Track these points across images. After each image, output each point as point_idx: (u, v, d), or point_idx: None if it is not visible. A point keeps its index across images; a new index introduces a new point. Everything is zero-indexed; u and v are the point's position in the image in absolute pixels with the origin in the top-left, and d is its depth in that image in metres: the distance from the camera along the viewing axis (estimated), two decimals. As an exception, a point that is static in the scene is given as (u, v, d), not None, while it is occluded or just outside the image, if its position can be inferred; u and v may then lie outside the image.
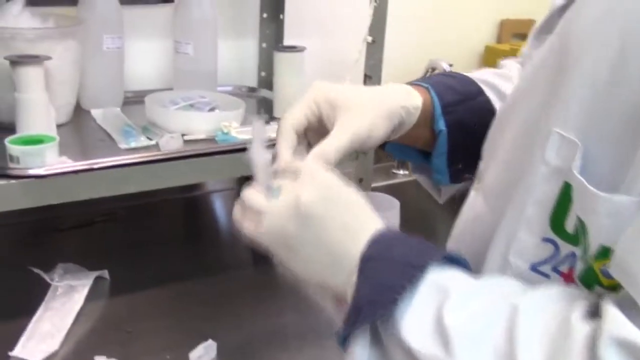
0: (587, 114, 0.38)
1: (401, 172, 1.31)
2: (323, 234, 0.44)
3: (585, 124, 0.38)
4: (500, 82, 0.64)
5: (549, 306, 0.37)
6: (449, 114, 0.59)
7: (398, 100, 0.56)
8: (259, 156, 0.47)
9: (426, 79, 0.62)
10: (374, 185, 0.95)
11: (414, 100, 0.57)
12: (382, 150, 0.65)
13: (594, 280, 0.38)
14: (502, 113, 0.51)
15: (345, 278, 0.43)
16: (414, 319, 0.39)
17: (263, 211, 0.46)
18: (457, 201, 0.68)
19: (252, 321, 0.79)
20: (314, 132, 0.53)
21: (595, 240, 0.37)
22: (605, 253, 0.36)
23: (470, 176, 0.63)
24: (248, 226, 0.47)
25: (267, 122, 0.49)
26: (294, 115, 0.52)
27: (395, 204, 0.88)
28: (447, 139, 0.59)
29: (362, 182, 0.91)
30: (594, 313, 0.36)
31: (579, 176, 0.38)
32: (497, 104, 0.62)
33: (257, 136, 0.48)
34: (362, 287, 0.41)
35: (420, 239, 0.44)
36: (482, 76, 0.64)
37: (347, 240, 0.43)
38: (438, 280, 0.40)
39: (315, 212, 0.44)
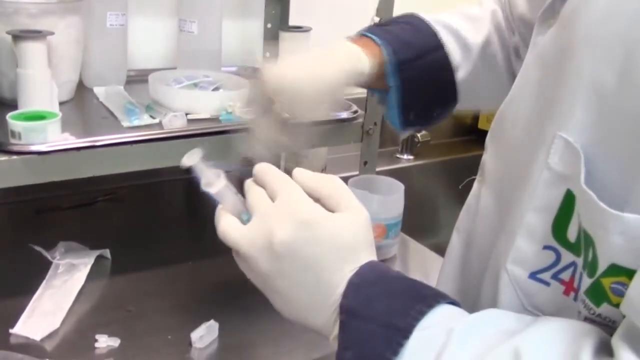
0: (593, 121, 0.36)
1: (405, 156, 1.30)
2: (299, 276, 0.41)
3: (591, 131, 0.36)
4: (466, 30, 0.62)
5: (553, 347, 0.34)
6: (402, 71, 0.58)
7: (342, 73, 0.56)
8: (215, 188, 0.45)
9: (384, 26, 0.62)
10: (378, 169, 0.94)
11: (361, 67, 0.57)
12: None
13: (603, 297, 0.35)
14: (506, 104, 0.49)
15: (324, 321, 0.41)
16: None
17: (236, 245, 0.43)
18: (461, 187, 0.67)
19: (255, 302, 0.78)
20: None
21: (604, 257, 0.35)
22: (615, 271, 0.34)
23: (420, 126, 0.66)
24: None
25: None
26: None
27: (400, 187, 0.87)
28: (400, 95, 0.59)
29: (366, 165, 0.90)
30: (602, 349, 0.33)
31: (585, 188, 0.35)
32: (458, 56, 0.62)
33: (202, 172, 0.45)
34: (344, 356, 0.38)
35: (404, 279, 0.41)
36: (448, 20, 0.63)
37: (325, 284, 0.40)
38: (428, 333, 0.37)
39: (291, 252, 0.40)
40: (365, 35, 0.61)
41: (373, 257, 0.42)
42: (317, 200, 0.43)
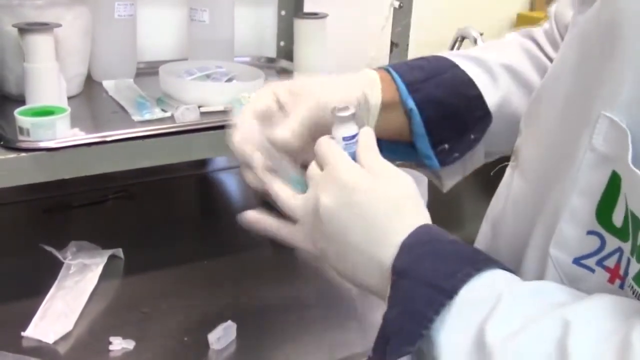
0: (639, 100, 0.35)
1: (426, 148, 1.26)
2: (349, 238, 0.42)
3: (637, 110, 0.35)
4: (483, 54, 0.60)
5: (604, 322, 0.33)
6: (416, 91, 0.56)
7: (355, 84, 0.54)
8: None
9: (389, 65, 0.60)
10: (399, 162, 0.91)
11: (372, 82, 0.55)
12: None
13: None
14: (543, 85, 0.48)
15: (378, 281, 0.42)
16: (452, 339, 0.37)
17: (292, 211, 0.45)
18: (486, 178, 0.64)
19: (273, 302, 0.76)
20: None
21: None
22: None
23: (459, 155, 0.60)
24: (273, 224, 0.47)
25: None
26: (256, 100, 0.52)
27: (423, 179, 0.84)
28: (422, 118, 0.56)
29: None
30: None
31: (633, 168, 0.34)
32: (478, 74, 0.58)
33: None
34: (390, 314, 0.39)
35: (458, 243, 0.41)
36: (464, 52, 0.61)
37: (375, 245, 0.42)
38: (475, 296, 0.37)
39: (336, 217, 0.42)
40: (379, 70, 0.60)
41: (424, 218, 0.43)
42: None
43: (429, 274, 0.38)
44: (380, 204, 0.42)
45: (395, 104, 0.56)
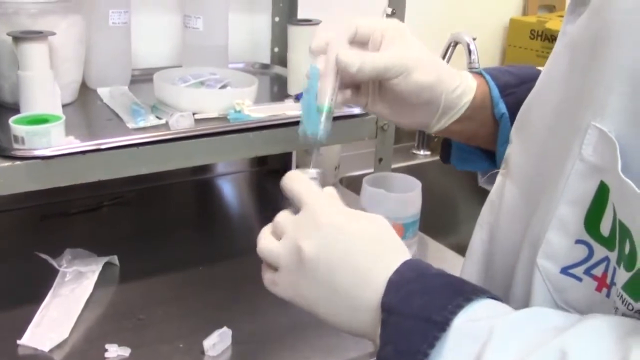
0: (629, 109, 0.35)
1: (421, 152, 1.28)
2: (335, 283, 0.42)
3: (627, 119, 0.35)
4: None
5: (600, 347, 0.33)
6: (508, 95, 0.55)
7: (452, 72, 0.54)
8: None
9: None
10: (394, 166, 0.92)
11: (467, 79, 0.55)
12: (445, 162, 0.62)
13: None
14: (533, 95, 0.48)
15: (369, 323, 0.41)
16: None
17: (274, 260, 0.45)
18: (478, 183, 0.65)
19: (269, 308, 0.76)
20: None
21: None
22: None
23: None
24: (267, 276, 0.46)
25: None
26: (361, 24, 0.52)
27: (417, 184, 0.85)
28: (511, 124, 0.54)
29: (381, 162, 0.87)
30: None
31: (624, 177, 0.34)
32: None
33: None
34: (384, 352, 0.39)
35: (444, 276, 0.41)
36: None
37: (362, 286, 0.41)
38: (469, 328, 0.37)
39: (322, 262, 0.42)
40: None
41: (404, 252, 0.43)
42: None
43: (419, 308, 0.38)
44: (362, 245, 0.42)
45: (485, 106, 0.56)
